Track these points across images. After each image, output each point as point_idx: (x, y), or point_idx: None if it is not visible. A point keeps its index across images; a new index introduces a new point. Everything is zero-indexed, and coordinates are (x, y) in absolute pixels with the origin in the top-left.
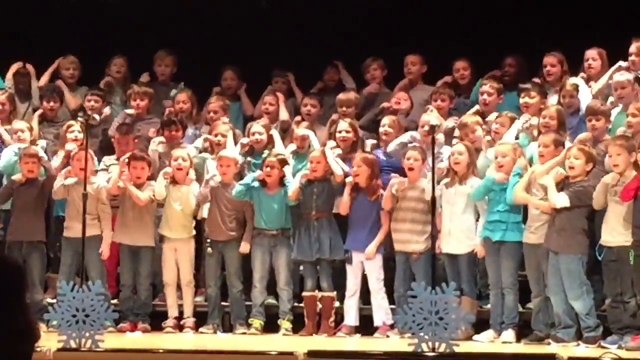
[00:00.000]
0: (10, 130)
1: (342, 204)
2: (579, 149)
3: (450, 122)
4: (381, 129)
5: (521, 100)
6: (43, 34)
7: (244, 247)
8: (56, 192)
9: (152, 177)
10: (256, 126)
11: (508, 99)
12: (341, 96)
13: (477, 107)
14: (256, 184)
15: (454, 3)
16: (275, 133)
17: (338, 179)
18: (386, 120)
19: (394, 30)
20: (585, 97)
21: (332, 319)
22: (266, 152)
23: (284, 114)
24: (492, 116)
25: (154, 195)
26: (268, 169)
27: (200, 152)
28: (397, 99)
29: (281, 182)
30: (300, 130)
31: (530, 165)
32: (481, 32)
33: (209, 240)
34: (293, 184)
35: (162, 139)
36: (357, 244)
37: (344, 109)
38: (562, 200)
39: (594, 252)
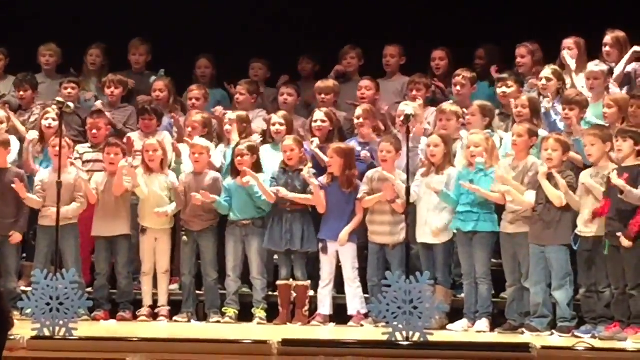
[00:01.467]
0: None
1: (318, 207)
2: (555, 140)
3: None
4: (356, 121)
5: (499, 90)
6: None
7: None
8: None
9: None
10: (229, 114)
11: (481, 88)
12: (319, 84)
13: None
14: (229, 180)
15: None
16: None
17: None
18: (359, 110)
19: (371, 19)
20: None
21: (306, 307)
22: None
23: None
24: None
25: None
26: (239, 158)
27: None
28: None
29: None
30: (278, 116)
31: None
32: (459, 22)
33: (184, 229)
34: (266, 189)
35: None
36: (333, 234)
37: (323, 96)
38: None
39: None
